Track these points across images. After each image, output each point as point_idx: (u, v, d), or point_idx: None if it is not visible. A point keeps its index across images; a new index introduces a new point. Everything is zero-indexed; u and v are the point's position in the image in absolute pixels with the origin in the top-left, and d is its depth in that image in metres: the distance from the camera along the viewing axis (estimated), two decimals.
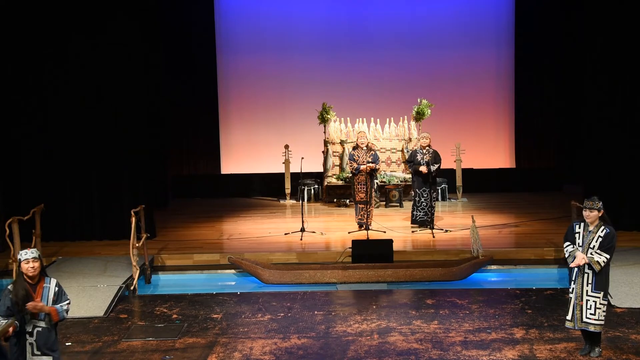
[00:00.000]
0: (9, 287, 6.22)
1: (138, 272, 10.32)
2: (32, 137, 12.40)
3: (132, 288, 10.26)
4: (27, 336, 6.19)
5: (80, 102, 12.39)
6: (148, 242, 11.29)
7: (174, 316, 9.11)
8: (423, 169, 12.76)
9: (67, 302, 6.41)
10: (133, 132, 12.55)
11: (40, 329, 6.23)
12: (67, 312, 6.37)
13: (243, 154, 18.36)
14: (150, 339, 8.31)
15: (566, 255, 7.58)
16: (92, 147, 12.48)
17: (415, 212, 13.14)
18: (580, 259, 7.38)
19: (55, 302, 6.29)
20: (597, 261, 7.36)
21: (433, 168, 12.79)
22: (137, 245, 10.46)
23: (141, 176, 12.72)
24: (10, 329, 5.99)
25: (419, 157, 12.93)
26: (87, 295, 9.67)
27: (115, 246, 12.05)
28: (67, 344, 8.20)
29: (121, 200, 12.45)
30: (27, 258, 6.21)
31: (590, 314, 7.46)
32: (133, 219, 10.35)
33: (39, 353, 6.23)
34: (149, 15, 13.20)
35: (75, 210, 12.62)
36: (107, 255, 11.62)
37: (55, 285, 6.35)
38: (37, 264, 6.24)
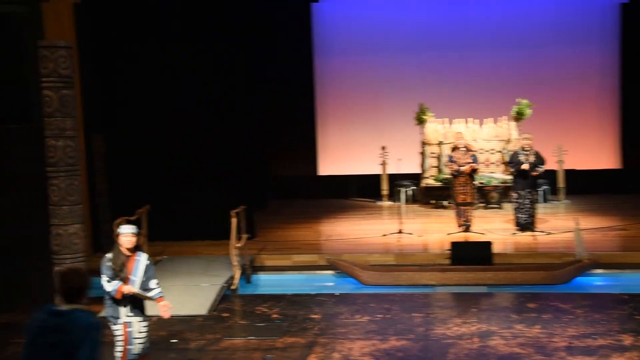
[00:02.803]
0: (107, 255, 6.76)
1: (239, 271, 10.52)
2: (138, 141, 12.85)
3: (233, 287, 10.48)
4: (123, 299, 6.70)
5: (184, 106, 12.77)
6: (248, 242, 11.51)
7: (274, 316, 9.24)
8: (525, 165, 12.45)
9: (157, 291, 6.86)
10: (233, 134, 12.84)
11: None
12: (159, 296, 6.85)
13: (340, 156, 18.43)
14: (252, 337, 8.46)
15: None
16: (195, 151, 12.84)
17: (519, 215, 12.80)
18: None
19: (145, 274, 6.78)
20: None
21: (540, 169, 12.49)
22: (237, 245, 10.66)
23: (242, 178, 12.98)
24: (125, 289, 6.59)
25: (521, 158, 12.63)
26: (191, 294, 9.94)
27: (217, 246, 12.33)
28: (172, 340, 8.45)
29: (222, 201, 12.69)
30: (127, 232, 6.73)
31: None
32: (234, 220, 10.56)
33: (132, 314, 6.75)
34: (247, 21, 13.47)
35: (179, 212, 12.99)
36: (209, 255, 11.92)
37: (147, 259, 6.85)
38: (134, 239, 6.76)
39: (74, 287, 4.28)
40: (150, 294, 6.78)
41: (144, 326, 6.89)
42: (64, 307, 4.27)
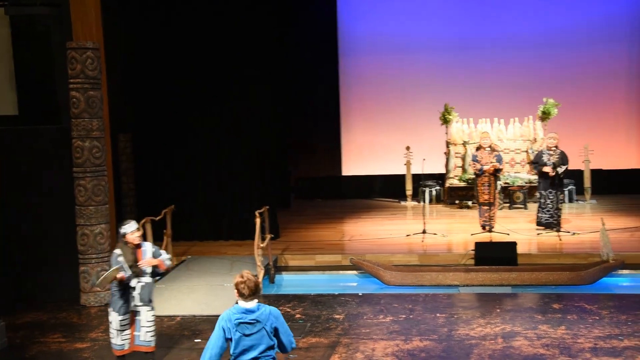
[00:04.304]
0: (116, 251, 7.23)
1: (262, 272, 10.57)
2: (163, 141, 12.95)
3: None
4: (132, 290, 7.22)
5: (210, 106, 12.84)
6: (272, 242, 11.55)
7: (297, 316, 9.27)
8: (547, 169, 12.38)
9: (168, 256, 7.49)
10: (258, 135, 12.89)
11: (143, 283, 7.25)
12: (170, 260, 7.55)
13: (364, 156, 18.41)
14: None
15: None
16: (219, 151, 12.91)
17: (540, 214, 12.77)
18: None
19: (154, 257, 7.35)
20: None
21: (560, 170, 12.39)
22: (261, 245, 10.70)
23: (265, 178, 13.03)
24: (119, 275, 7.04)
25: (545, 158, 12.54)
26: (214, 294, 10.00)
27: (240, 246, 12.40)
28: (196, 340, 8.51)
29: (246, 201, 12.79)
30: (133, 230, 7.24)
31: None
32: (257, 220, 10.60)
33: (140, 304, 7.26)
34: (271, 20, 13.51)
35: (204, 212, 13.08)
36: (232, 255, 11.98)
37: (152, 247, 7.42)
38: (140, 233, 7.35)
39: (256, 286, 5.23)
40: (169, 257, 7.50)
41: (152, 315, 7.37)
42: (251, 304, 5.21)
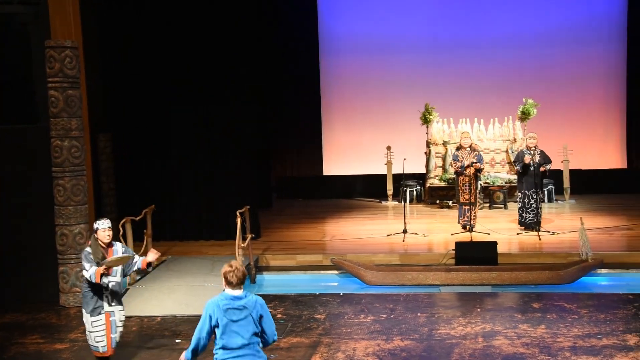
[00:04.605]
0: (87, 249, 7.15)
1: None
2: (143, 141, 12.88)
3: None
4: (104, 290, 7.17)
5: (190, 106, 12.79)
6: (253, 242, 11.53)
7: (279, 316, 9.25)
8: (527, 158, 12.43)
9: (139, 259, 7.38)
10: (239, 134, 12.85)
11: (114, 282, 7.22)
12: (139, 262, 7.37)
13: (345, 155, 18.44)
14: None
15: None
16: (200, 151, 12.86)
17: (525, 214, 12.81)
18: None
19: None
20: None
21: (547, 167, 12.49)
22: (242, 245, 10.68)
23: (246, 178, 12.99)
24: (107, 269, 7.03)
25: (526, 157, 12.61)
26: (195, 294, 9.95)
27: (221, 246, 12.36)
28: (176, 340, 8.47)
29: (227, 201, 12.74)
30: (104, 227, 7.19)
31: None
32: (238, 220, 10.58)
33: (114, 304, 7.25)
34: (252, 19, 13.47)
35: (184, 212, 13.03)
36: (214, 255, 11.94)
37: (122, 247, 7.40)
38: (111, 232, 7.25)
39: (244, 276, 5.41)
40: (136, 261, 7.31)
41: (124, 315, 7.39)
42: (239, 292, 5.40)
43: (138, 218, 11.04)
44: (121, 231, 10.42)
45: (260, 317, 5.44)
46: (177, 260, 11.65)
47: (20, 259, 10.32)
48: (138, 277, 10.65)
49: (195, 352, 5.48)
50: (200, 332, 5.41)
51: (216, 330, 5.38)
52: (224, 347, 5.36)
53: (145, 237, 11.24)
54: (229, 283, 5.39)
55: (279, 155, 18.41)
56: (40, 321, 9.40)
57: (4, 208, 10.35)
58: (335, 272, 11.31)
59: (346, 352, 7.90)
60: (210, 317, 5.37)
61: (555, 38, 17.61)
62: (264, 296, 10.24)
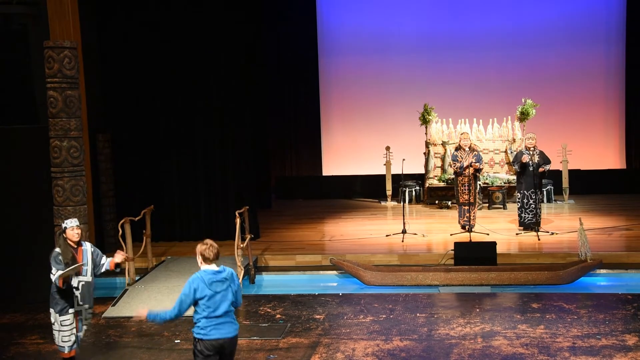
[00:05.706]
0: (57, 250, 7.15)
1: (242, 272, 10.53)
2: (142, 141, 12.87)
3: None
4: (74, 290, 7.22)
5: (189, 106, 12.78)
6: (252, 242, 11.52)
7: (278, 316, 9.25)
8: (526, 158, 12.44)
9: (107, 260, 7.43)
10: (238, 134, 12.85)
11: (84, 282, 7.28)
12: (107, 264, 7.45)
13: (344, 156, 18.45)
14: (255, 338, 8.47)
15: None
16: (199, 151, 12.86)
17: (524, 215, 12.81)
18: None
19: (94, 259, 7.35)
20: None
21: (546, 167, 12.49)
22: (241, 245, 10.66)
23: (246, 178, 12.99)
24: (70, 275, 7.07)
25: (525, 157, 12.62)
26: None
27: (220, 247, 12.19)
28: (176, 341, 8.47)
29: (226, 201, 12.75)
30: (73, 226, 7.18)
31: None
32: (237, 220, 10.57)
33: (82, 303, 7.29)
34: (251, 20, 13.48)
35: (183, 212, 13.02)
36: None
37: (91, 247, 7.40)
38: (80, 231, 7.25)
39: (217, 251, 6.04)
40: (103, 263, 7.38)
41: (90, 313, 7.45)
42: (217, 267, 6.01)
43: (137, 218, 11.03)
44: (120, 232, 10.42)
45: (236, 287, 6.07)
46: (176, 260, 11.65)
47: (19, 259, 10.31)
48: (137, 278, 10.65)
49: (170, 320, 6.10)
50: (181, 304, 5.93)
51: (199, 302, 5.90)
52: (207, 317, 5.90)
53: (144, 238, 11.22)
54: (205, 259, 5.98)
55: (279, 156, 18.42)
56: (40, 321, 9.39)
57: (3, 208, 10.34)
58: (335, 272, 11.31)
59: (345, 352, 7.90)
60: (195, 291, 5.89)
61: (554, 38, 17.62)
62: (263, 296, 10.34)
